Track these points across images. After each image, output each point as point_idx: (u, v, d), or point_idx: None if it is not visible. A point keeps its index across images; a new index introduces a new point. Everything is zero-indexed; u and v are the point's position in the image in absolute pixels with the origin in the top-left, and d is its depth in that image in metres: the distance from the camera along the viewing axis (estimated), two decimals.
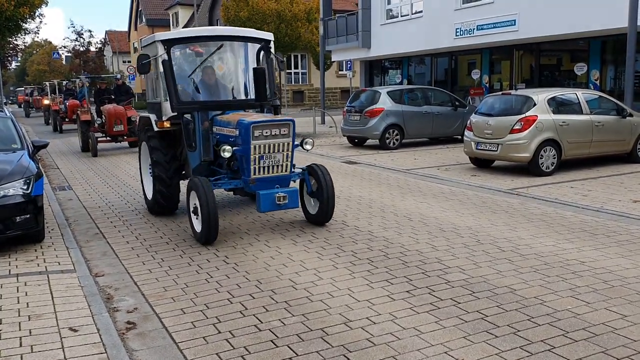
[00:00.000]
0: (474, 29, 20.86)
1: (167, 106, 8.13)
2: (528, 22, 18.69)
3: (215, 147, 7.84)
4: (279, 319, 4.87)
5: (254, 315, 4.97)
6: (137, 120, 9.35)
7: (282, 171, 7.36)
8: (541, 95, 11.79)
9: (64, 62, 72.50)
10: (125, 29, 76.60)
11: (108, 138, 17.65)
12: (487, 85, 22.73)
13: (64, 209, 9.53)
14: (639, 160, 12.76)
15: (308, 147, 7.80)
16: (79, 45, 59.82)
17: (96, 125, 18.15)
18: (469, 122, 12.84)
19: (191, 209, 7.26)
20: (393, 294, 5.37)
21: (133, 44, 72.69)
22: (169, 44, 8.03)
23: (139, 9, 66.48)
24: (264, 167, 7.21)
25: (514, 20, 19.28)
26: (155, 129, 8.32)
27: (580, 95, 12.33)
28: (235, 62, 9.01)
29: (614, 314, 4.78)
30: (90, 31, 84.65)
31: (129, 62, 68.56)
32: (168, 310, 5.14)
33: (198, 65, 8.50)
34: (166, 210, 8.70)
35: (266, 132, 7.09)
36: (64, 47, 65.79)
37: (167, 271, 6.23)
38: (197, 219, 7.13)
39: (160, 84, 8.23)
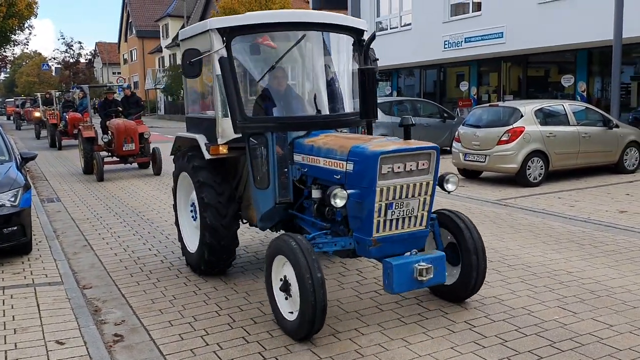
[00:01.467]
0: (462, 42, 21.06)
1: (226, 124, 5.71)
2: (515, 35, 18.89)
3: (298, 184, 5.59)
4: (267, 331, 4.86)
5: (242, 327, 4.96)
6: (173, 144, 6.86)
7: (417, 225, 4.84)
8: (528, 107, 11.91)
9: (53, 73, 72.25)
10: (116, 40, 76.69)
11: (116, 159, 14.96)
12: (475, 97, 22.90)
13: (52, 220, 9.47)
14: (626, 170, 12.89)
15: (451, 187, 5.11)
16: (68, 57, 59.69)
17: (102, 143, 15.25)
18: (457, 133, 12.93)
19: (277, 284, 4.84)
20: (381, 305, 5.38)
21: (123, 55, 72.74)
22: (229, 33, 5.58)
23: (129, 21, 66.60)
24: (391, 221, 4.71)
25: (502, 33, 19.48)
26: (207, 156, 5.86)
27: (567, 106, 12.47)
28: (321, 60, 6.29)
29: (600, 324, 4.81)
30: (80, 42, 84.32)
31: (119, 73, 68.59)
32: (156, 323, 5.12)
33: (273, 65, 6.12)
34: (217, 268, 6.28)
35: (398, 167, 4.63)
36: (54, 58, 65.63)
37: (155, 283, 6.21)
38: (288, 299, 4.76)
39: (215, 91, 5.80)
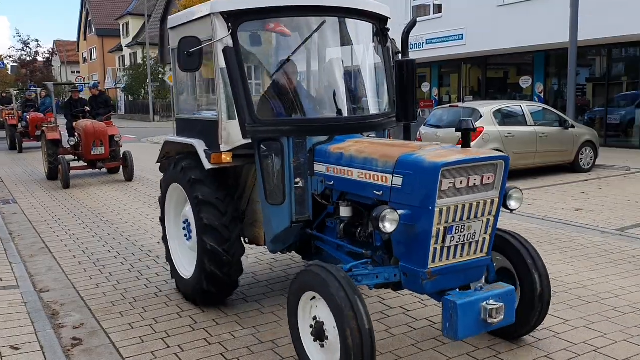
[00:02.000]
0: (423, 43, 21.32)
1: (232, 127, 4.84)
2: (475, 37, 19.24)
3: (320, 199, 4.75)
4: (229, 332, 4.83)
5: (204, 329, 4.93)
6: (161, 150, 5.96)
7: (477, 252, 4.02)
8: (487, 108, 12.15)
9: (9, 72, 70.44)
10: (75, 38, 75.17)
11: (83, 163, 13.72)
12: (436, 97, 23.22)
13: (8, 223, 9.23)
14: (581, 169, 13.24)
15: (514, 204, 4.12)
16: (25, 55, 58.28)
17: (69, 146, 13.89)
18: (418, 133, 13.09)
19: (306, 328, 3.98)
20: None
21: (82, 54, 71.33)
22: (235, 19, 4.67)
23: (89, 19, 65.35)
24: (449, 248, 3.87)
25: (462, 35, 19.80)
26: (208, 165, 4.94)
27: (525, 107, 12.78)
28: (340, 52, 5.41)
29: (555, 319, 4.93)
30: (37, 41, 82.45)
31: (78, 72, 67.26)
32: (116, 326, 5.04)
33: (288, 57, 5.24)
34: (216, 299, 5.35)
35: (461, 182, 3.78)
36: (10, 56, 64.01)
37: (115, 286, 6.11)
38: (322, 347, 3.86)
39: (218, 88, 4.90)
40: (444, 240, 3.80)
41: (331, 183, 4.56)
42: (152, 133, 28.26)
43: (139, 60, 50.79)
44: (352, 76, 5.45)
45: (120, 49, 59.48)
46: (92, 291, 5.96)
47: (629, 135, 17.96)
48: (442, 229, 3.77)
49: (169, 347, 4.59)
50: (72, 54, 74.79)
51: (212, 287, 5.08)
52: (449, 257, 3.88)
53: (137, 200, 11.18)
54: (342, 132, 4.82)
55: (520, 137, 12.08)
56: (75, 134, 13.86)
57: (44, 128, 14.89)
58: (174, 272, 5.73)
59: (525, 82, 19.73)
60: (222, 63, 4.71)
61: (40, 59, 62.37)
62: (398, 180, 3.90)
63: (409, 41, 4.99)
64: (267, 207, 4.85)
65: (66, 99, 16.80)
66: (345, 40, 5.41)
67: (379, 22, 5.34)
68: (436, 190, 3.66)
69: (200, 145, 5.09)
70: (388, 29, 5.38)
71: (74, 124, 14.25)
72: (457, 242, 3.87)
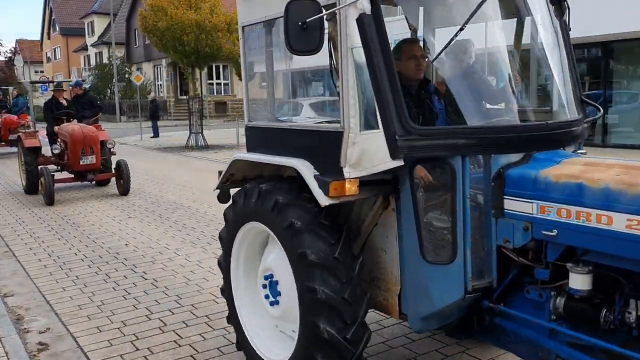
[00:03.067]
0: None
1: (367, 142, 3.11)
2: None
3: (514, 256, 3.05)
4: (200, 334, 4.82)
5: (173, 330, 4.90)
6: (224, 171, 4.09)
7: None
8: None
9: None
10: (38, 37, 73.71)
11: (69, 175, 11.46)
12: None
13: None
14: None
15: None
16: None
17: (51, 154, 11.74)
18: None
19: None
20: None
21: (46, 53, 69.99)
22: None
23: (52, 17, 64.10)
24: None
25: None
26: (325, 201, 3.16)
27: None
28: (506, 26, 3.93)
29: None
30: None
31: (42, 71, 65.94)
32: (83, 329, 4.98)
33: (461, 27, 3.48)
34: None
35: None
36: None
37: (81, 289, 6.03)
38: None
39: (346, 79, 3.15)
40: None
41: (552, 233, 2.84)
42: (120, 134, 27.91)
43: (105, 60, 50.02)
44: (532, 63, 4.02)
45: (85, 48, 58.48)
46: (58, 295, 5.87)
47: (591, 134, 18.37)
48: None
49: (138, 349, 4.56)
50: (36, 53, 73.26)
51: (332, 327, 3.20)
52: None
53: (100, 201, 11.02)
54: (544, 146, 3.20)
55: None
56: (58, 140, 11.83)
57: (20, 133, 12.77)
58: (245, 345, 3.95)
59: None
60: (354, 40, 3.06)
61: (1, 58, 61.03)
62: None
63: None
64: (421, 266, 3.11)
65: (47, 100, 14.51)
66: (514, 11, 3.89)
67: None
68: None
69: (307, 168, 3.32)
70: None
71: (57, 128, 12.09)
72: None
